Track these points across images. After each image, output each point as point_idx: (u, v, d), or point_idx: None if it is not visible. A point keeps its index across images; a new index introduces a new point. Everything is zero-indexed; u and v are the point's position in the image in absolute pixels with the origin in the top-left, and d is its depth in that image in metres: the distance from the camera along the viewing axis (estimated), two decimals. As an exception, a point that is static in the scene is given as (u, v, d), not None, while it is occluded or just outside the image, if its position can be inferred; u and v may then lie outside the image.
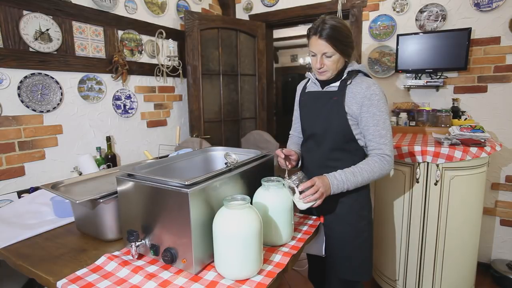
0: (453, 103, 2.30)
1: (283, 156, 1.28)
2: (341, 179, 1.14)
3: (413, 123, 2.36)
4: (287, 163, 1.31)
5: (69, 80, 1.91)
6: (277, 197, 1.06)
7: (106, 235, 1.12)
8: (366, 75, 1.27)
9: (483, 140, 1.80)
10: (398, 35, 2.37)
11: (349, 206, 1.30)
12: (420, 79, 2.40)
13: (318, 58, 1.20)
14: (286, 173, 1.21)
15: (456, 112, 2.26)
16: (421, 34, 2.31)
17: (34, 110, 1.74)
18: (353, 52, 1.26)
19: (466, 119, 2.20)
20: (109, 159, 2.07)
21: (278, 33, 4.53)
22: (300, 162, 1.41)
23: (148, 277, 0.88)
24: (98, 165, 1.95)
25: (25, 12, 1.68)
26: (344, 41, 1.18)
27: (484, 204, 2.01)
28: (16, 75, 1.67)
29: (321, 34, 1.16)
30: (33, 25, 1.70)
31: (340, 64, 1.23)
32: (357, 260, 1.31)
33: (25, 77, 1.70)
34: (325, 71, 1.23)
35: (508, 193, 2.28)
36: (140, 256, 1.01)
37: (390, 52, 2.52)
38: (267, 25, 3.13)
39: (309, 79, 1.41)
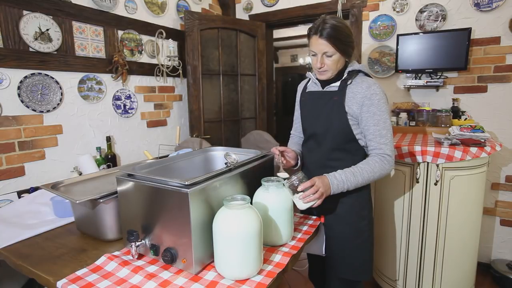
0: (453, 103, 2.30)
1: (278, 153, 1.28)
2: (341, 179, 1.14)
3: (413, 123, 2.36)
4: (283, 159, 1.31)
5: (69, 80, 1.90)
6: (277, 197, 1.06)
7: (106, 235, 1.12)
8: (366, 75, 1.27)
9: (483, 140, 1.80)
10: (398, 35, 2.37)
11: (350, 206, 1.30)
12: (420, 79, 2.40)
13: (318, 57, 1.20)
14: (281, 168, 1.21)
15: (456, 112, 2.26)
16: (421, 34, 2.31)
17: (34, 110, 1.74)
18: (353, 52, 1.26)
19: (466, 119, 2.19)
20: (109, 159, 2.07)
21: (278, 33, 4.53)
22: (300, 162, 1.41)
23: (148, 277, 0.88)
24: (98, 165, 1.95)
25: (25, 12, 1.68)
26: (344, 41, 1.18)
27: (484, 204, 2.01)
28: (16, 75, 1.67)
29: (322, 34, 1.16)
30: (33, 25, 1.70)
31: (340, 64, 1.23)
32: (357, 260, 1.31)
33: (25, 77, 1.70)
34: (326, 71, 1.23)
35: (508, 193, 2.28)
36: (140, 256, 1.01)
37: (390, 52, 2.52)
38: (267, 25, 3.13)
39: (309, 79, 1.41)
